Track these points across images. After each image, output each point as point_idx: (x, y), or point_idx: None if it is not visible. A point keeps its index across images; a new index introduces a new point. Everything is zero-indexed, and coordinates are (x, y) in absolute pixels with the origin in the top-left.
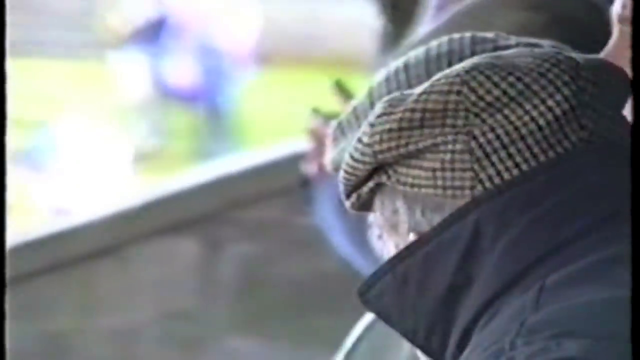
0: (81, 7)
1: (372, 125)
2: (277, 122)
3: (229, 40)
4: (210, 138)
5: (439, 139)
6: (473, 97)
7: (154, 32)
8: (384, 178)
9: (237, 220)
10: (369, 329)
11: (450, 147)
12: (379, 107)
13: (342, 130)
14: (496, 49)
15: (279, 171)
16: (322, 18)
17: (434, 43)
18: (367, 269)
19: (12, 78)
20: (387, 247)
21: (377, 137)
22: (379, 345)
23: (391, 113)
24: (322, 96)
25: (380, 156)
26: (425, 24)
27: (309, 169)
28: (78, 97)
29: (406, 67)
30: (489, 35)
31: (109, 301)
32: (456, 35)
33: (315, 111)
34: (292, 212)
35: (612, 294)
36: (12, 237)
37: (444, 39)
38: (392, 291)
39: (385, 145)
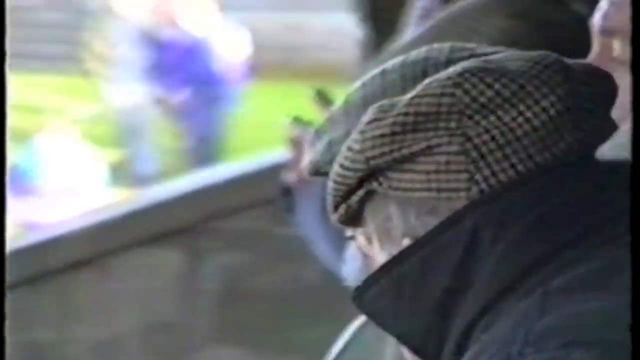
0: (67, 20)
1: (362, 132)
2: (261, 133)
3: (221, 60)
4: (196, 157)
5: (433, 142)
6: (466, 99)
7: (140, 56)
8: (374, 185)
9: (219, 230)
10: (351, 341)
11: (444, 149)
12: (368, 114)
13: (318, 136)
14: (472, 57)
15: (260, 182)
16: (305, 28)
17: (413, 51)
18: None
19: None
20: (377, 256)
21: (369, 143)
22: (362, 358)
23: (383, 118)
24: (305, 106)
25: (372, 162)
26: (408, 32)
27: (290, 177)
28: (61, 111)
29: (383, 73)
30: (469, 45)
31: (90, 313)
32: (436, 45)
33: (296, 120)
34: (274, 223)
35: (619, 301)
36: None
37: (424, 48)
38: (387, 295)
39: (377, 151)
